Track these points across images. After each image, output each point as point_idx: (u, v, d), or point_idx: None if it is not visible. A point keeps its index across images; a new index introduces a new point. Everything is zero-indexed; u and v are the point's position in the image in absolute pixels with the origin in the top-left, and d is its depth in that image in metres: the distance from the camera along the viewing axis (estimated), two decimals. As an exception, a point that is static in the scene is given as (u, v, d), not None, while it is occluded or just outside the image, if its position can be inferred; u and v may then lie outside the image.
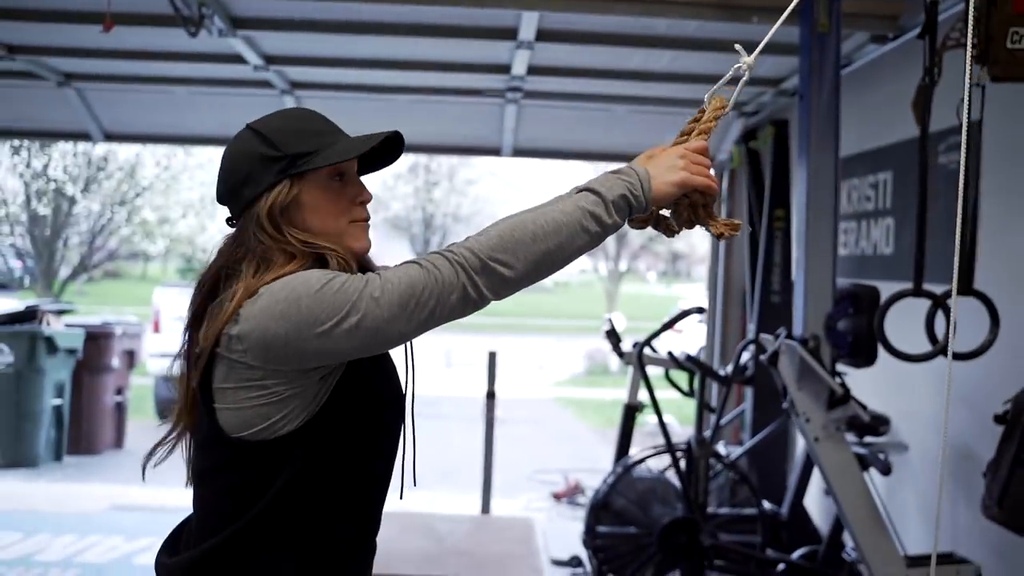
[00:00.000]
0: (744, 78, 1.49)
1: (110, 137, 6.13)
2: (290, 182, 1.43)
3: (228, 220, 1.50)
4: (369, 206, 1.56)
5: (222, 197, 1.50)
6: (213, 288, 1.44)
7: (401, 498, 1.61)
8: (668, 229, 1.49)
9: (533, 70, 4.86)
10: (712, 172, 1.44)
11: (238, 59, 4.77)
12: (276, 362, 1.35)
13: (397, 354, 1.52)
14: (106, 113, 5.87)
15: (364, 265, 1.51)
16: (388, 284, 1.33)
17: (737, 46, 1.50)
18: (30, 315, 7.47)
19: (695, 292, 29.73)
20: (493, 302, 1.39)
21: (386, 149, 1.54)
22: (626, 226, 1.46)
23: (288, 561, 1.41)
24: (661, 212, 1.48)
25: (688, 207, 1.44)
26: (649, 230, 1.52)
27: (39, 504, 5.93)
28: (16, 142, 14.92)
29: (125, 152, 16.03)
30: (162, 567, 1.47)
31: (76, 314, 8.99)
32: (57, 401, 7.46)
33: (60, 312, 8.01)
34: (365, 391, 1.44)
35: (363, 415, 1.45)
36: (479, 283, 1.34)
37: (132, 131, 6.30)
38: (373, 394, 1.47)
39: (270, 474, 1.39)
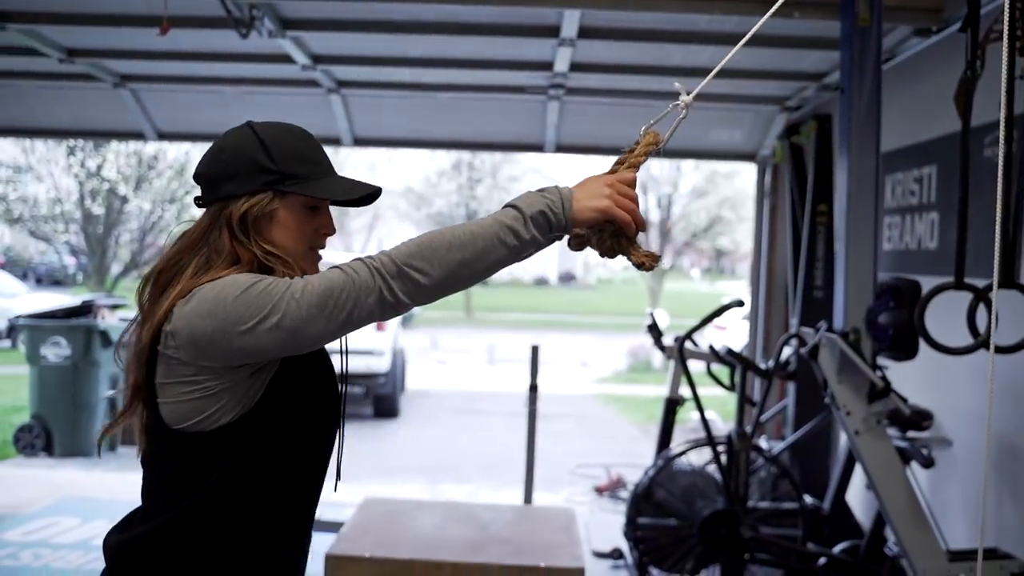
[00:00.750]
0: (681, 116, 1.52)
1: (163, 136, 6.28)
2: (272, 195, 1.52)
3: (196, 200, 1.58)
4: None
5: (201, 179, 1.56)
6: (159, 283, 1.52)
7: (335, 490, 1.70)
8: (596, 248, 1.54)
9: (575, 67, 4.90)
10: (637, 207, 1.48)
11: (286, 59, 4.88)
12: (205, 359, 1.43)
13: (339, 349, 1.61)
14: (159, 113, 6.04)
15: None
16: (308, 286, 1.41)
17: (677, 84, 1.54)
18: (86, 310, 7.71)
19: (739, 289, 29.48)
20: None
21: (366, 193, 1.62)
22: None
23: (220, 549, 1.49)
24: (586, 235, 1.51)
25: (611, 235, 1.48)
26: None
27: (95, 492, 6.13)
28: (71, 143, 15.33)
29: (174, 151, 16.37)
30: (105, 545, 1.56)
31: (129, 309, 9.23)
32: (111, 393, 7.68)
33: (114, 307, 8.24)
34: (299, 389, 1.52)
35: (296, 412, 1.52)
36: (394, 287, 1.40)
37: (183, 130, 6.45)
38: (307, 392, 1.54)
39: (207, 464, 1.47)
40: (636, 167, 1.50)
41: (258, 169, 1.51)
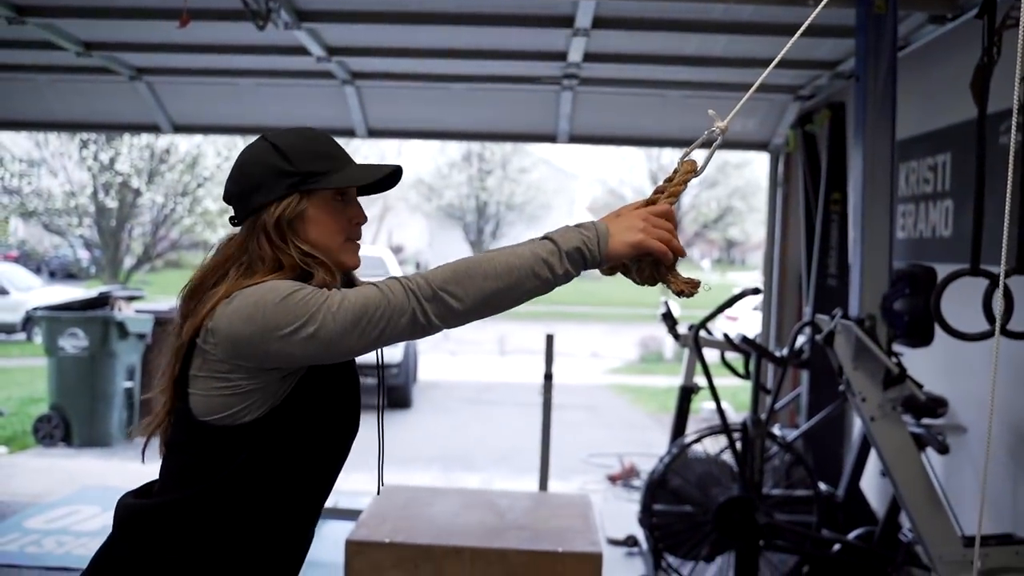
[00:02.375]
0: (717, 142, 1.53)
1: (178, 129, 6.32)
2: (299, 196, 1.57)
3: (231, 219, 1.64)
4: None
5: (231, 198, 1.63)
6: (202, 290, 1.58)
7: (379, 493, 1.79)
8: (635, 278, 1.55)
9: (589, 57, 4.91)
10: (673, 237, 1.49)
11: (301, 51, 4.91)
12: (240, 358, 1.49)
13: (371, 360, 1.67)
14: (174, 105, 6.07)
15: (350, 281, 1.67)
16: (346, 301, 1.46)
17: (711, 112, 1.54)
18: (102, 301, 7.77)
19: (750, 279, 29.41)
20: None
21: (387, 176, 1.67)
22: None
23: (223, 535, 1.55)
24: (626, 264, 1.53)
25: (650, 264, 1.51)
26: None
27: (114, 480, 6.19)
28: (85, 137, 15.42)
29: (186, 144, 16.44)
30: (118, 505, 1.63)
31: (145, 300, 9.31)
32: (128, 383, 7.75)
33: (130, 298, 8.31)
34: (323, 396, 1.58)
35: (317, 417, 1.58)
36: (428, 310, 1.45)
37: (198, 122, 6.48)
38: (330, 400, 1.60)
39: (225, 456, 1.54)
40: (675, 196, 1.52)
41: (280, 175, 1.57)
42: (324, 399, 1.58)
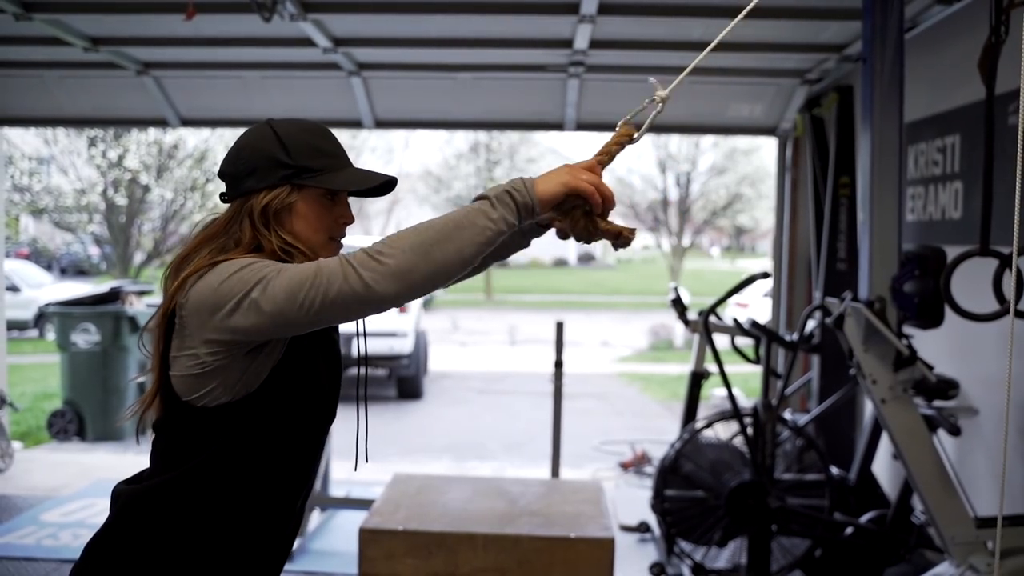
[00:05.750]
0: (657, 110, 1.56)
1: (185, 122, 6.34)
2: (290, 188, 1.59)
3: (221, 196, 1.66)
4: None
5: (224, 176, 1.65)
6: (182, 269, 1.59)
7: (356, 470, 1.80)
8: (571, 231, 1.57)
9: (595, 44, 4.90)
10: (599, 185, 1.51)
11: (307, 42, 4.92)
12: (206, 330, 1.50)
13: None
14: (181, 99, 6.09)
15: None
16: (284, 271, 1.46)
17: (651, 79, 1.58)
18: (113, 296, 7.81)
19: (760, 266, 29.29)
20: (420, 298, 1.49)
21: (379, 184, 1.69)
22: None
23: (210, 514, 1.58)
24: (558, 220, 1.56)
25: (583, 215, 1.52)
26: None
27: (128, 473, 6.21)
28: (93, 134, 15.47)
29: (194, 140, 16.47)
30: (113, 493, 1.66)
31: (155, 295, 9.35)
32: (141, 378, 7.78)
33: (141, 293, 8.35)
34: (300, 380, 1.59)
35: (294, 402, 1.59)
36: (360, 272, 1.42)
37: (206, 116, 6.50)
38: (307, 384, 1.61)
39: (206, 437, 1.56)
40: (607, 155, 1.55)
41: (276, 164, 1.59)
42: (300, 382, 1.60)
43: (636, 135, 1.56)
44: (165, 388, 1.58)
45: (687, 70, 1.63)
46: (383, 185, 1.67)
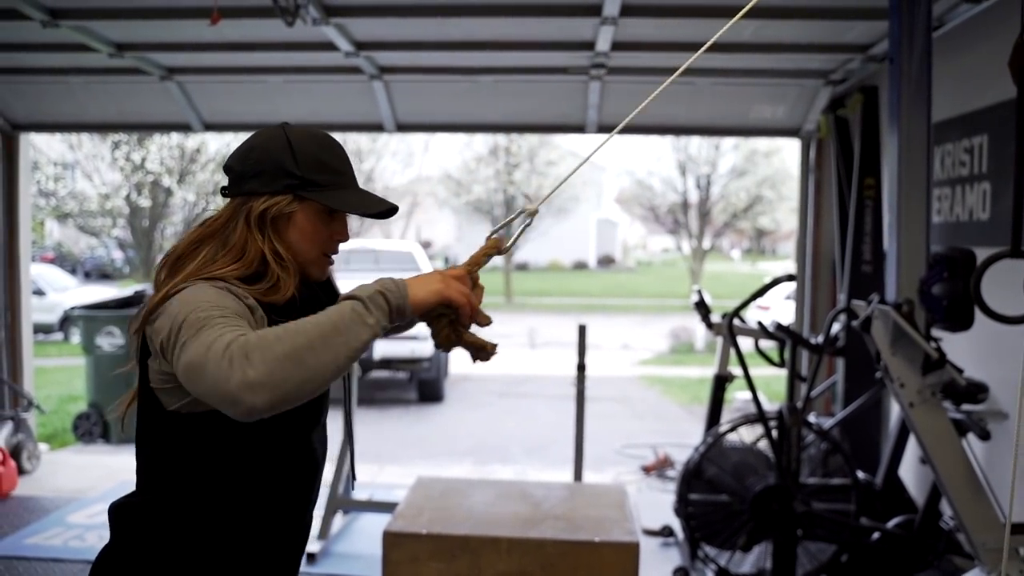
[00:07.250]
0: (528, 223, 1.58)
1: (208, 127, 6.38)
2: (292, 198, 1.59)
3: (222, 190, 1.66)
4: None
5: (230, 171, 1.64)
6: (176, 267, 1.57)
7: (353, 488, 1.75)
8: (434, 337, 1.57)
9: (617, 45, 4.89)
10: (470, 297, 1.49)
11: (330, 46, 4.93)
12: (161, 352, 1.45)
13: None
14: (204, 104, 6.14)
15: (329, 283, 1.70)
16: (196, 341, 1.34)
17: (525, 194, 1.61)
18: (138, 300, 7.89)
19: (781, 269, 29.16)
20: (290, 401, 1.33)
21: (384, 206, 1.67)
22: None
23: (203, 531, 1.56)
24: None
25: (447, 324, 1.51)
26: None
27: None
28: (116, 138, 15.62)
29: (216, 144, 16.61)
30: (109, 510, 1.65)
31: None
32: (121, 370, 7.83)
33: (165, 297, 8.40)
34: None
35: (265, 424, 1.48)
36: (234, 377, 1.27)
37: (228, 120, 6.53)
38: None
39: (191, 446, 1.53)
40: (475, 265, 1.55)
41: (283, 172, 1.59)
42: None
43: (504, 247, 1.57)
44: (147, 399, 1.55)
45: (583, 161, 1.73)
46: (383, 211, 1.66)
